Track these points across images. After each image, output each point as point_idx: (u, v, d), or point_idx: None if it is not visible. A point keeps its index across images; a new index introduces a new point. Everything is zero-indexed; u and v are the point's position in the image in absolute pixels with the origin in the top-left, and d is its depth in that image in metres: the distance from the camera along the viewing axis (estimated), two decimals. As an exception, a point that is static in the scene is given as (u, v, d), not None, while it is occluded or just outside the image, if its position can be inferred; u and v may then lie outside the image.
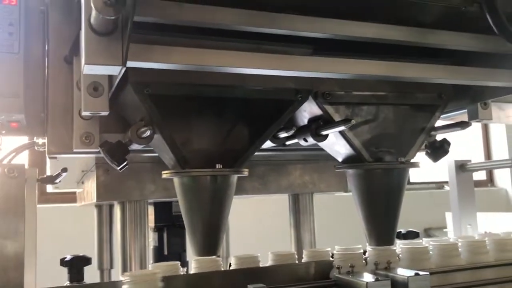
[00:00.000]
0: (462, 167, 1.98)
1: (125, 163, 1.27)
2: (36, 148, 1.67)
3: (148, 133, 1.22)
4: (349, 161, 1.46)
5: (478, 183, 6.83)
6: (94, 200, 1.75)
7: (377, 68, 1.17)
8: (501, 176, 6.26)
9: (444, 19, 1.34)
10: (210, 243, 1.33)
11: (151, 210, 2.31)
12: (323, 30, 1.12)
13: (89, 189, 1.92)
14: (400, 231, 1.94)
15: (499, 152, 6.34)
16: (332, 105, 1.37)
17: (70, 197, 3.11)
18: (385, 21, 1.27)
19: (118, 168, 1.27)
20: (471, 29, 1.28)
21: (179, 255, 2.37)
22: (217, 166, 1.30)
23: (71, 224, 4.44)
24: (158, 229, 2.44)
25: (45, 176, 1.44)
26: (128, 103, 1.27)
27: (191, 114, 1.30)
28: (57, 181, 1.44)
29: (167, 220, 2.38)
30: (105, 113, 1.21)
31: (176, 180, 1.34)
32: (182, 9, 1.01)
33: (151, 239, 2.43)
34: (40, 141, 1.60)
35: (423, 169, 1.64)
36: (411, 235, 1.92)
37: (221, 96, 1.28)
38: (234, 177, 1.35)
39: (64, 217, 4.62)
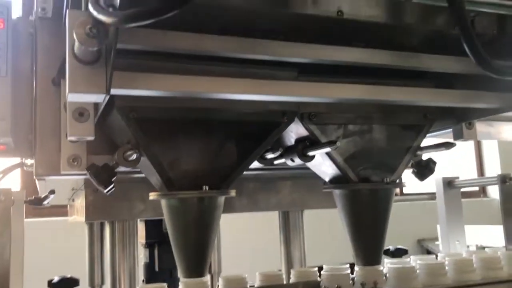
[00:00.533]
0: (450, 184, 1.99)
1: (111, 186, 1.28)
2: (24, 168, 1.67)
3: (134, 156, 1.23)
4: (335, 181, 1.47)
5: (471, 194, 6.87)
6: (83, 220, 1.75)
7: (361, 92, 1.19)
8: (493, 187, 6.30)
9: (428, 41, 1.37)
10: (198, 264, 1.34)
11: (142, 226, 2.32)
12: (307, 55, 1.14)
13: (79, 208, 1.92)
14: (389, 248, 1.95)
15: (492, 166, 6.41)
16: (318, 126, 1.38)
17: (62, 211, 3.11)
18: (369, 44, 1.30)
19: (105, 191, 1.28)
20: (455, 51, 1.30)
21: (170, 271, 2.37)
22: (204, 188, 1.30)
23: (63, 238, 4.42)
24: (149, 245, 2.43)
25: (33, 198, 1.44)
26: (115, 126, 1.28)
27: (177, 136, 1.30)
28: (45, 202, 1.44)
29: (158, 236, 2.38)
30: (91, 138, 1.21)
31: (163, 202, 1.34)
32: (166, 37, 1.02)
33: (142, 255, 2.43)
34: (28, 161, 1.60)
35: (416, 180, 1.65)
36: (399, 252, 1.93)
37: (207, 119, 1.29)
38: (222, 198, 1.36)
39: (56, 231, 4.61)
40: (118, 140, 1.35)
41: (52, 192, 1.43)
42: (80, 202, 1.85)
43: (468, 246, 4.01)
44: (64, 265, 4.38)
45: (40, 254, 4.47)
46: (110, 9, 0.89)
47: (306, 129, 1.38)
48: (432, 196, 6.27)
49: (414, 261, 1.65)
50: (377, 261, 1.43)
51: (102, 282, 2.52)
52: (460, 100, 1.30)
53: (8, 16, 1.34)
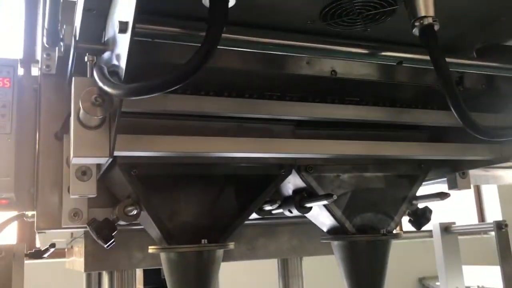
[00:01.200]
0: (447, 229, 2.01)
1: (112, 240, 1.29)
2: (25, 219, 1.69)
3: (134, 212, 1.25)
4: (333, 231, 1.49)
5: (471, 232, 6.88)
6: (82, 270, 1.75)
7: (357, 148, 1.23)
8: (491, 215, 6.31)
9: (420, 96, 1.41)
10: (196, 319, 1.34)
11: (140, 273, 2.31)
12: (302, 113, 1.18)
13: (77, 257, 1.92)
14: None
15: (492, 209, 6.48)
16: (315, 178, 1.41)
17: (61, 252, 3.10)
18: (363, 98, 1.35)
19: (105, 246, 1.29)
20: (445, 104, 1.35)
21: (168, 318, 2.34)
22: (203, 241, 1.32)
23: (61, 280, 4.37)
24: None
25: (33, 250, 1.45)
26: (116, 181, 1.30)
27: (176, 191, 1.33)
28: (45, 255, 1.45)
29: (156, 282, 2.38)
30: (93, 196, 1.24)
31: (162, 255, 1.35)
32: (167, 100, 1.06)
33: (139, 292, 2.41)
34: (29, 213, 1.62)
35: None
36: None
37: (206, 173, 1.32)
38: (220, 251, 1.37)
39: (54, 273, 4.56)
40: (118, 194, 1.38)
41: (52, 245, 1.44)
42: (78, 250, 1.86)
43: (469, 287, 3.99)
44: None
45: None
46: (115, 78, 0.93)
47: (303, 181, 1.41)
48: (432, 233, 6.32)
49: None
50: (376, 312, 1.44)
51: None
52: (452, 153, 1.34)
53: (14, 75, 1.39)
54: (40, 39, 1.46)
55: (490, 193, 6.63)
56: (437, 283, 4.85)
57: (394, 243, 1.47)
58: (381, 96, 1.37)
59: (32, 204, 1.46)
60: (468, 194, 6.62)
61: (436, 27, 0.95)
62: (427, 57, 1.01)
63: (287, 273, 2.10)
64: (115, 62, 0.98)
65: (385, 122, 1.28)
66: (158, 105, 1.05)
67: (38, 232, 1.47)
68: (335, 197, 1.29)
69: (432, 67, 1.01)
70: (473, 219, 6.65)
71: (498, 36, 1.25)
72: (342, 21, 1.15)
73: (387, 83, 1.28)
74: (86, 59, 1.01)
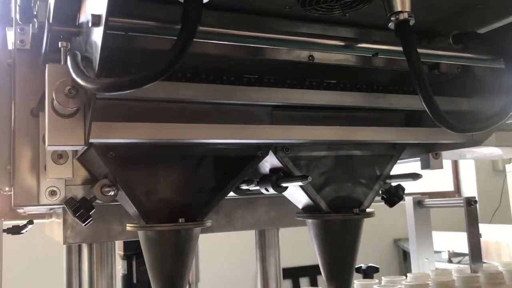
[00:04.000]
0: (419, 203, 2.07)
1: (89, 219, 1.31)
2: (2, 192, 1.69)
3: (112, 193, 1.26)
4: (308, 209, 1.53)
5: (446, 194, 7.08)
6: (61, 242, 1.77)
7: (332, 134, 1.25)
8: (468, 187, 6.51)
9: (396, 80, 1.43)
10: (173, 293, 1.38)
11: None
12: (279, 99, 1.19)
13: (56, 226, 1.94)
14: (360, 266, 2.02)
15: (468, 181, 6.71)
16: (291, 159, 1.43)
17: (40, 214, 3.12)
18: (339, 82, 1.36)
19: (83, 224, 1.31)
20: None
21: (148, 283, 2.39)
22: (180, 220, 1.35)
23: (41, 240, 4.40)
24: (127, 257, 2.46)
25: (11, 226, 1.46)
26: (93, 162, 1.31)
27: (154, 171, 1.34)
28: (23, 231, 1.47)
29: (136, 248, 2.41)
30: (70, 178, 1.24)
31: (140, 233, 1.38)
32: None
33: (120, 267, 2.46)
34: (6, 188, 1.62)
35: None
36: (370, 270, 2.00)
37: (183, 154, 1.33)
38: (198, 229, 1.40)
39: (33, 234, 4.59)
40: (96, 173, 1.39)
41: (30, 222, 1.46)
42: (57, 222, 1.88)
43: (441, 252, 4.13)
44: (41, 270, 4.39)
45: (17, 259, 4.47)
46: (89, 65, 0.93)
47: (280, 161, 1.43)
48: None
49: (385, 282, 1.72)
50: (348, 287, 1.50)
51: (81, 294, 2.55)
52: (426, 137, 1.37)
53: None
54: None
55: (467, 164, 6.84)
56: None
57: (372, 205, 1.52)
58: (358, 79, 1.39)
59: (9, 181, 1.46)
60: (445, 164, 6.82)
61: (412, 22, 0.95)
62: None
63: (264, 244, 2.15)
64: (89, 48, 0.97)
65: (361, 107, 1.29)
66: (133, 92, 1.04)
67: (16, 209, 1.48)
68: (309, 179, 1.32)
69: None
70: (449, 186, 6.87)
71: (474, 24, 1.26)
72: (320, 7, 1.14)
73: (364, 67, 1.29)
74: (60, 45, 0.99)
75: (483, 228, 1.93)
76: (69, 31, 1.08)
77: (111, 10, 0.80)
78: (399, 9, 0.93)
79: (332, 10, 1.16)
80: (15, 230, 1.45)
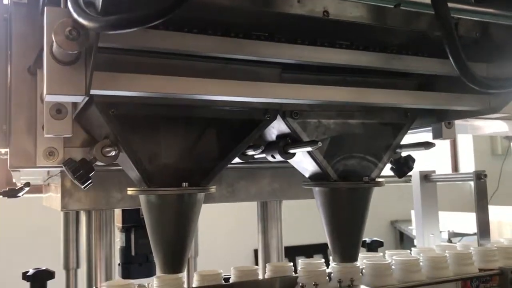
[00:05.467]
0: (426, 177, 2.02)
1: (89, 181, 1.25)
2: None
3: (113, 153, 1.20)
4: (315, 178, 1.47)
5: (444, 176, 7.08)
6: (59, 209, 1.72)
7: (344, 95, 1.19)
8: (466, 170, 6.47)
9: (413, 42, 1.36)
10: (175, 261, 1.33)
11: (118, 211, 2.30)
12: (290, 56, 1.12)
13: (54, 195, 1.88)
14: (365, 240, 1.98)
15: (466, 162, 6.66)
16: (300, 124, 1.38)
17: (38, 188, 3.07)
18: (353, 43, 1.29)
19: (82, 186, 1.26)
20: (439, 51, 1.31)
21: (146, 256, 2.36)
22: (184, 184, 1.29)
23: (38, 215, 4.37)
24: (125, 229, 2.42)
25: (7, 189, 1.40)
26: (93, 120, 1.25)
27: (157, 133, 1.28)
28: (20, 195, 1.41)
29: (135, 221, 2.36)
30: (69, 135, 1.18)
31: (141, 197, 1.33)
32: (147, 36, 0.99)
33: (118, 239, 2.41)
34: (2, 150, 1.56)
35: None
36: (375, 244, 1.96)
37: (188, 116, 1.27)
38: (201, 195, 1.35)
39: (31, 209, 4.55)
40: (96, 134, 1.33)
41: (27, 185, 1.40)
42: (55, 188, 1.82)
43: (441, 232, 4.11)
44: (39, 244, 4.36)
45: (14, 233, 4.43)
46: (91, 10, 0.86)
47: (288, 126, 1.37)
48: (406, 179, 6.48)
49: (389, 256, 1.68)
50: (354, 259, 1.45)
51: (78, 266, 2.51)
52: (441, 103, 1.31)
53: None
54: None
55: (465, 148, 6.80)
56: (410, 227, 5.00)
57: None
58: (372, 40, 1.32)
59: (5, 142, 1.40)
60: (443, 144, 6.79)
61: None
62: (426, 0, 0.95)
63: (266, 216, 2.10)
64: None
65: (376, 68, 1.23)
66: (138, 41, 0.98)
67: (12, 171, 1.42)
68: (320, 144, 1.26)
69: (429, 12, 0.96)
70: (447, 169, 6.83)
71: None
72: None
73: (380, 27, 1.22)
74: (59, -13, 0.92)
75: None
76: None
77: None
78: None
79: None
80: (11, 193, 1.39)
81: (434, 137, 1.58)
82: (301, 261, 1.52)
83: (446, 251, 1.65)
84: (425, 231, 2.02)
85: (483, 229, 1.75)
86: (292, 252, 6.99)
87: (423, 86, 1.52)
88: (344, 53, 1.19)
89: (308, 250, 7.06)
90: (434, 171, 2.03)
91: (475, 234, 2.36)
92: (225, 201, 1.97)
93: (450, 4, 1.01)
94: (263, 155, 1.49)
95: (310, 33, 1.25)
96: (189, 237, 1.35)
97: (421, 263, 1.57)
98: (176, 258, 1.34)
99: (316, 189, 1.46)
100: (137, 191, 1.31)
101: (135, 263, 2.45)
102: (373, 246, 1.93)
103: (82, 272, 2.07)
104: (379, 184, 1.44)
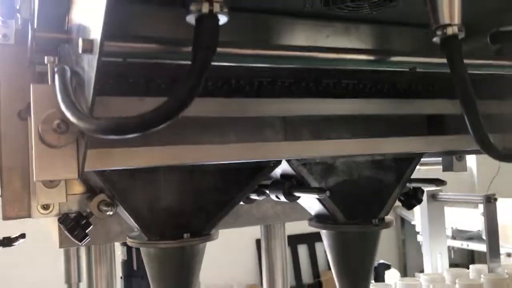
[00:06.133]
0: (434, 196, 1.97)
1: (87, 238, 1.20)
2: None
3: (110, 213, 1.15)
4: (321, 217, 1.42)
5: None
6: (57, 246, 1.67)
7: (352, 148, 1.13)
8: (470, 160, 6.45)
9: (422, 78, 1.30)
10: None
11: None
12: (293, 110, 1.06)
13: (53, 227, 1.83)
14: (372, 264, 1.94)
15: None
16: (305, 167, 1.32)
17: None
18: (361, 84, 1.23)
19: (80, 244, 1.20)
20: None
21: (148, 270, 2.33)
22: (185, 235, 1.24)
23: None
24: (127, 243, 2.38)
25: (1, 238, 1.35)
26: (90, 177, 1.19)
27: (156, 184, 1.22)
28: (15, 244, 1.36)
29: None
30: (63, 201, 1.12)
31: (142, 250, 1.27)
32: (144, 103, 0.92)
33: (120, 253, 2.39)
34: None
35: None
36: (382, 267, 1.92)
37: (188, 168, 1.21)
38: (204, 243, 1.30)
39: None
40: (93, 184, 1.27)
41: (22, 236, 1.35)
42: (52, 225, 1.77)
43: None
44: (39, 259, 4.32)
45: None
46: (80, 87, 0.79)
47: (293, 169, 1.31)
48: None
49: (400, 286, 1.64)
50: (363, 300, 1.41)
51: (79, 279, 2.48)
52: (453, 146, 1.25)
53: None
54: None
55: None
56: (413, 223, 4.98)
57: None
58: (380, 79, 1.25)
59: (-3, 190, 1.34)
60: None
61: (461, 36, 0.81)
62: (443, 61, 0.88)
63: (270, 237, 2.07)
64: (80, 61, 0.83)
65: (383, 116, 1.17)
66: (134, 110, 0.91)
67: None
68: (328, 193, 1.20)
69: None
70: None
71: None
72: (346, 6, 1.00)
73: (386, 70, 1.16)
74: (46, 60, 0.85)
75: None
76: (56, 38, 0.94)
77: (106, 33, 0.66)
78: (447, 21, 0.79)
79: (359, 8, 1.01)
80: (7, 242, 1.34)
81: (444, 170, 1.52)
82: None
83: (456, 281, 1.60)
84: (433, 250, 1.98)
85: (494, 253, 1.71)
86: (294, 241, 7.02)
87: (432, 117, 1.45)
88: (351, 103, 1.12)
89: (310, 238, 7.07)
90: (441, 190, 1.98)
91: (479, 231, 2.30)
92: (228, 227, 1.92)
93: (468, 61, 0.94)
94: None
95: (314, 76, 1.19)
96: (193, 285, 1.31)
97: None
98: (180, 308, 1.29)
99: (324, 231, 1.40)
100: (137, 244, 1.26)
101: (137, 277, 2.43)
102: (380, 270, 1.89)
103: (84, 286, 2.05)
104: (387, 225, 1.39)
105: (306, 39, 1.03)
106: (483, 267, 1.82)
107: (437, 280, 1.68)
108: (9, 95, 1.31)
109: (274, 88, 1.16)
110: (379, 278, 1.89)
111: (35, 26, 0.94)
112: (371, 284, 1.64)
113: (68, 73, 0.83)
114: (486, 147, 0.89)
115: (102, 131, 0.66)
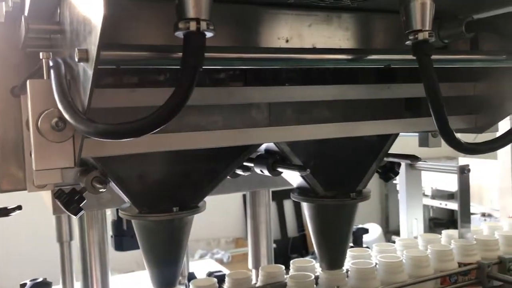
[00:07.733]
0: (411, 165, 2.07)
1: (81, 211, 1.27)
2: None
3: (103, 190, 1.22)
4: (303, 190, 1.50)
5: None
6: (51, 212, 1.75)
7: (332, 131, 1.20)
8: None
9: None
10: (169, 278, 1.39)
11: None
12: (278, 97, 1.12)
13: (46, 195, 1.90)
14: (350, 229, 2.05)
15: None
16: (288, 144, 1.38)
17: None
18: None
19: (75, 216, 1.28)
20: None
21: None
22: (174, 209, 1.32)
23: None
24: (116, 204, 2.45)
25: (-1, 208, 1.42)
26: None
27: (146, 162, 1.29)
28: (11, 214, 1.43)
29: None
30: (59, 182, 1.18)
31: (134, 222, 1.35)
32: (137, 94, 0.98)
33: (110, 213, 2.46)
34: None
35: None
36: (360, 231, 2.04)
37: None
38: (192, 216, 1.38)
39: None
40: (87, 160, 1.33)
41: (19, 208, 1.41)
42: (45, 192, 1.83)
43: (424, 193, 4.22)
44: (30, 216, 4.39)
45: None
46: (75, 86, 0.84)
47: (277, 146, 1.38)
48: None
49: (376, 253, 1.75)
50: (340, 266, 1.52)
51: (71, 238, 2.57)
52: (430, 127, 1.32)
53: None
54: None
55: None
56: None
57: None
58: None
59: (-9, 165, 1.39)
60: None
61: (432, 40, 0.87)
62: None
63: (255, 203, 2.15)
64: (73, 54, 0.87)
65: (364, 100, 1.23)
66: (127, 101, 0.97)
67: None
68: (308, 171, 1.28)
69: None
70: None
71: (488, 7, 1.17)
72: (328, -2, 1.04)
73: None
74: (40, 56, 0.89)
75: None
76: (50, 29, 0.98)
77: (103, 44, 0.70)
78: (418, 27, 0.84)
79: (340, 0, 1.06)
80: (3, 212, 1.41)
81: (420, 145, 1.60)
82: (291, 265, 1.58)
83: (428, 247, 1.72)
84: (409, 215, 2.10)
85: (464, 222, 1.83)
86: (280, 196, 7.17)
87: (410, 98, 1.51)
88: (332, 89, 1.18)
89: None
90: (419, 159, 2.07)
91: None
92: (215, 194, 1.99)
93: (442, 56, 0.99)
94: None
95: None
96: (181, 255, 1.40)
97: (404, 261, 1.65)
98: (170, 275, 1.39)
99: (305, 204, 1.49)
100: (128, 216, 1.34)
101: (127, 236, 2.51)
102: (358, 235, 2.00)
103: (76, 244, 2.13)
104: (365, 198, 1.48)
105: (290, 29, 1.07)
106: (454, 232, 1.94)
107: (411, 246, 1.80)
108: (2, 72, 1.34)
109: (259, 78, 1.21)
110: (358, 241, 2.00)
111: (26, 14, 0.97)
112: (349, 249, 1.75)
113: (63, 68, 0.87)
114: (451, 141, 0.96)
115: (99, 135, 0.72)
